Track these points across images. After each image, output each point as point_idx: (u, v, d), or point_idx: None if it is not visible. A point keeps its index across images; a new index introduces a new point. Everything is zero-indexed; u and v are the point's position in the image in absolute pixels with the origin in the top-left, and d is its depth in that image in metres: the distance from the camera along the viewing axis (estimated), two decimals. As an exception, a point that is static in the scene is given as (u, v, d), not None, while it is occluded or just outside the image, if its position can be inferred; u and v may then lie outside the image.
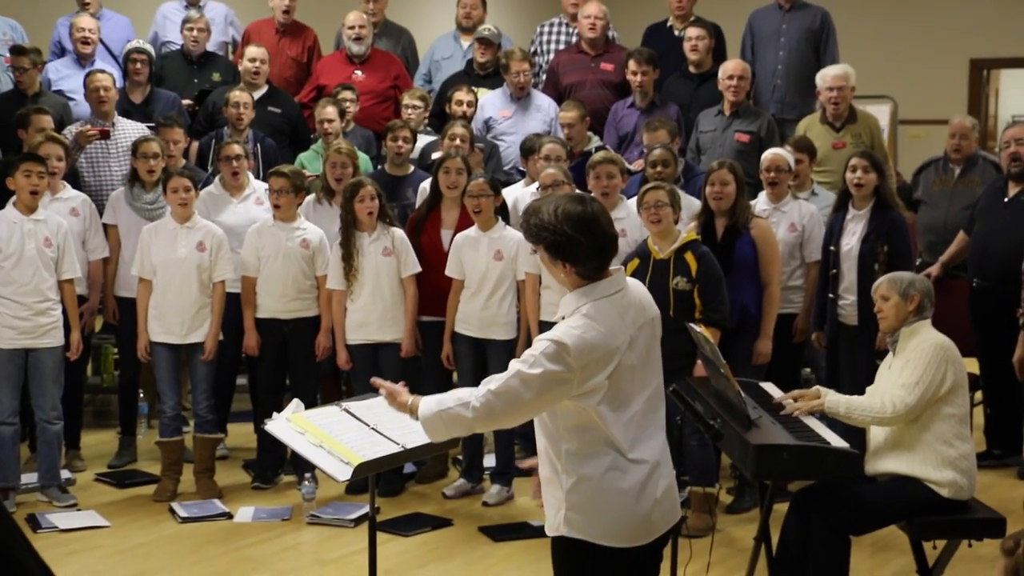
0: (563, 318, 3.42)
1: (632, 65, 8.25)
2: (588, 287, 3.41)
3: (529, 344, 6.65)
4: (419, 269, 6.85)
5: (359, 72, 8.91)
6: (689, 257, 6.16)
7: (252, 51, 8.51)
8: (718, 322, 6.13)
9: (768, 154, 7.10)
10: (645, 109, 8.24)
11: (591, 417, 3.36)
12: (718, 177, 6.54)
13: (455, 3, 9.56)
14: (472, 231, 6.78)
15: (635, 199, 6.56)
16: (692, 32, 8.53)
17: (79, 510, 6.59)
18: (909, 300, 5.07)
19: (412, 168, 7.71)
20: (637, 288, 3.56)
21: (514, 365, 3.37)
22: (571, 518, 3.42)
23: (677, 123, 8.12)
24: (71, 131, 7.69)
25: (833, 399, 4.95)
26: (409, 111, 8.22)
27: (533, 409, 3.38)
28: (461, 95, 8.29)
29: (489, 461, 7.04)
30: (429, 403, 3.51)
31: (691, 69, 8.58)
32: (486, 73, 8.92)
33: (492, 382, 3.40)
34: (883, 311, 5.13)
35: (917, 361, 4.91)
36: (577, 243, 3.36)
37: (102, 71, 7.96)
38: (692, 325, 5.12)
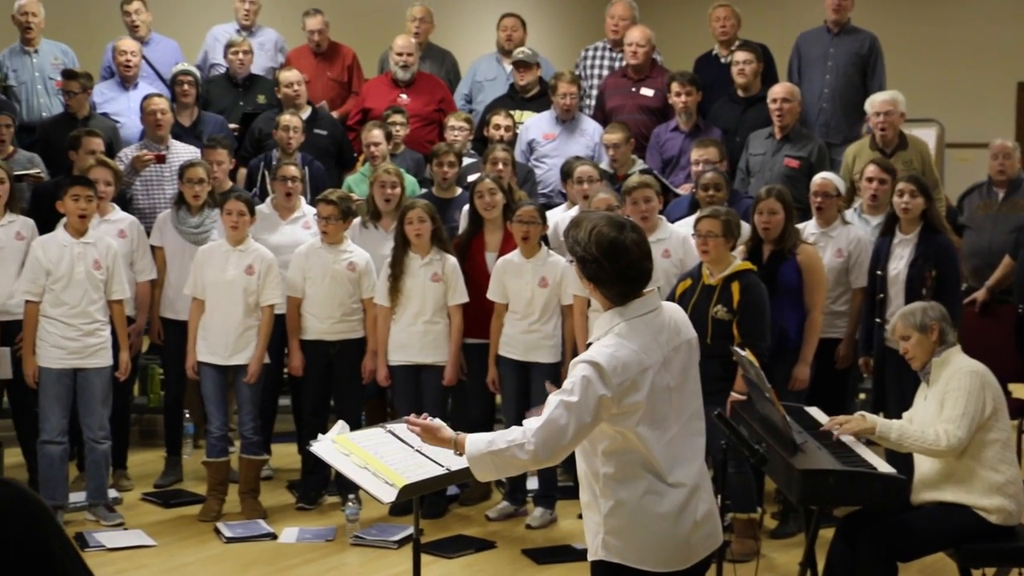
0: (597, 339, 3.43)
1: (675, 87, 8.25)
2: (621, 307, 3.41)
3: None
4: (466, 299, 6.87)
5: (404, 95, 8.96)
6: (735, 287, 6.09)
7: (286, 76, 8.59)
8: (756, 356, 6.07)
9: (817, 179, 7.08)
10: (689, 132, 8.24)
11: (629, 440, 3.35)
12: (766, 206, 6.51)
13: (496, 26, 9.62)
14: (515, 257, 6.79)
15: (680, 219, 6.55)
16: (740, 56, 8.51)
17: (126, 529, 6.64)
18: (928, 332, 5.03)
19: (459, 191, 7.74)
20: (673, 310, 3.56)
21: (554, 398, 3.36)
22: (609, 542, 3.41)
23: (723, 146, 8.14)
24: (127, 155, 7.78)
25: (884, 426, 4.92)
26: (454, 133, 8.27)
27: (581, 434, 3.35)
28: (499, 119, 8.34)
29: (532, 484, 7.04)
30: (478, 443, 3.44)
31: (739, 92, 8.56)
32: (529, 96, 8.95)
33: (537, 420, 3.38)
34: (908, 351, 5.10)
35: (957, 392, 4.87)
36: (602, 267, 3.37)
37: (158, 95, 8.06)
38: (737, 348, 5.09)
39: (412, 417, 3.71)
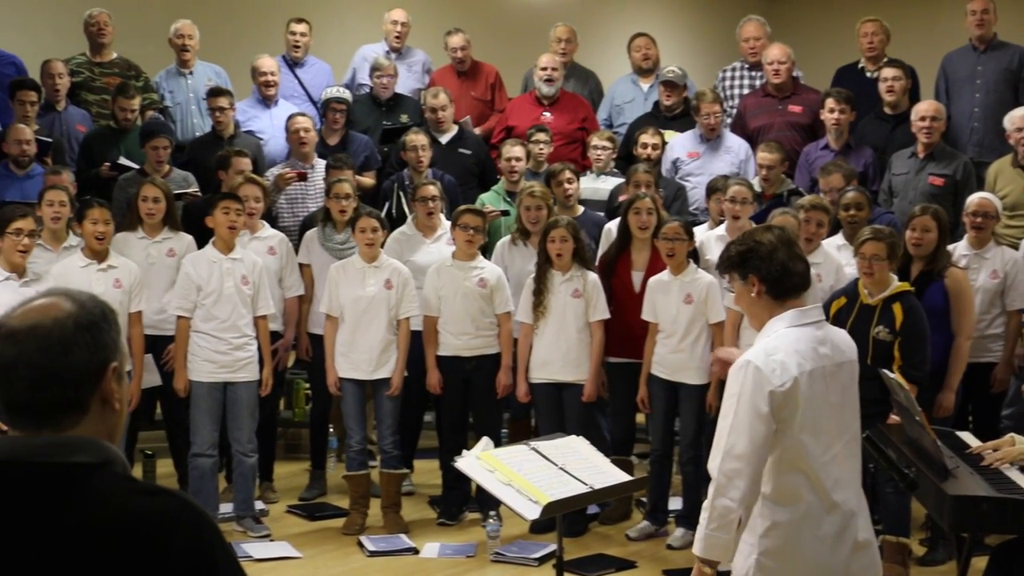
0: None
1: (829, 103, 8.12)
2: (779, 317, 3.43)
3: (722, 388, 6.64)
4: (607, 315, 6.85)
5: (548, 114, 9.00)
6: (897, 308, 6.01)
7: (432, 100, 8.67)
8: (916, 379, 5.95)
9: (975, 198, 6.91)
10: (839, 151, 8.11)
11: (792, 457, 3.33)
12: (920, 223, 6.39)
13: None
14: (664, 275, 6.77)
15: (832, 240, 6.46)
16: (888, 73, 8.36)
17: (272, 541, 6.76)
18: None
19: (582, 209, 7.75)
20: (838, 331, 3.59)
21: (723, 422, 3.38)
22: (764, 563, 3.38)
23: (871, 166, 7.99)
24: (271, 173, 7.94)
25: None
26: (597, 152, 8.27)
27: (762, 444, 3.33)
28: (647, 137, 8.31)
29: (674, 503, 6.99)
30: (698, 540, 3.43)
31: (886, 110, 8.41)
32: (673, 115, 8.92)
33: (715, 452, 3.38)
34: None
35: None
36: (759, 253, 3.44)
37: (302, 114, 8.21)
38: (886, 372, 5.00)
39: None
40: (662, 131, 8.55)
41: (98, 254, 6.72)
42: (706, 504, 3.40)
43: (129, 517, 1.96)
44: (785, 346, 3.37)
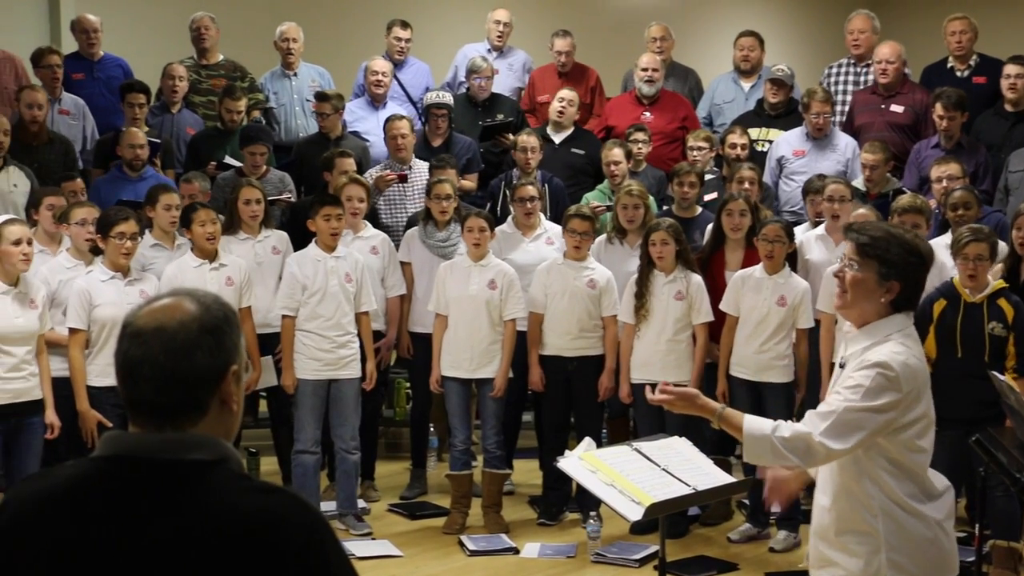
0: (865, 348, 3.40)
1: (939, 109, 7.94)
2: (889, 319, 3.41)
3: (811, 387, 6.57)
4: (711, 318, 6.80)
5: (648, 113, 8.96)
6: (1004, 304, 5.95)
7: (564, 92, 8.67)
8: None
9: None
10: (951, 151, 7.96)
11: (906, 456, 3.35)
12: None
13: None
14: (756, 271, 6.71)
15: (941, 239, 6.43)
16: (1011, 69, 8.17)
17: (374, 539, 6.81)
18: None
19: (700, 210, 7.70)
20: None
21: (834, 401, 3.36)
22: (895, 560, 3.37)
23: (982, 166, 7.85)
24: (371, 175, 8.02)
25: None
26: (695, 153, 8.22)
27: (870, 436, 3.34)
28: (734, 137, 8.25)
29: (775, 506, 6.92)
30: (760, 424, 3.43)
31: (1007, 107, 8.24)
32: (777, 113, 8.83)
33: (818, 417, 3.36)
34: None
35: None
36: (920, 270, 3.42)
37: (401, 117, 8.27)
38: (995, 374, 4.92)
39: (663, 384, 3.67)
40: (754, 130, 8.49)
41: (209, 253, 6.83)
42: (797, 434, 3.36)
43: (244, 514, 1.99)
44: (911, 351, 3.38)
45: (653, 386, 3.65)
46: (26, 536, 2.03)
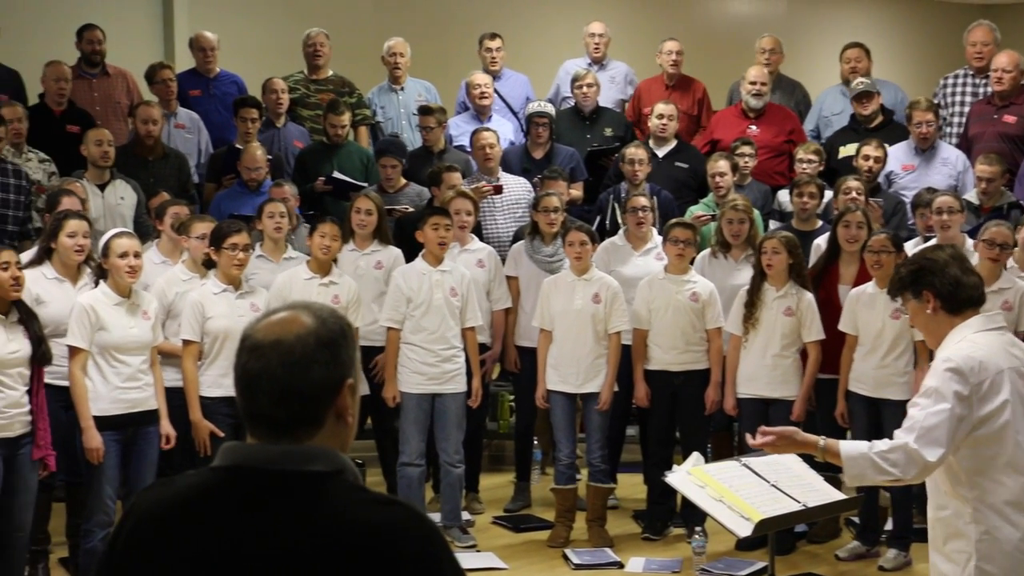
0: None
1: None
2: (965, 323, 3.47)
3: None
4: (823, 336, 6.72)
5: (754, 127, 8.90)
6: None
7: (660, 108, 8.64)
8: None
9: None
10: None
11: (999, 462, 3.35)
12: None
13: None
14: (869, 287, 6.63)
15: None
16: None
17: (478, 551, 6.83)
18: None
19: (820, 223, 7.62)
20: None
21: (913, 412, 3.43)
22: (983, 569, 3.37)
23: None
24: (464, 187, 8.06)
25: None
26: (803, 165, 8.14)
27: (957, 434, 3.37)
28: (868, 150, 8.09)
29: (887, 524, 6.83)
30: (856, 445, 3.50)
31: None
32: (873, 125, 8.71)
33: (905, 431, 3.42)
34: None
35: None
36: (938, 270, 3.49)
37: (487, 129, 8.32)
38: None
39: (766, 428, 3.71)
40: (847, 145, 8.39)
41: (322, 267, 6.91)
42: (893, 447, 3.43)
43: (361, 526, 2.01)
44: (980, 347, 3.41)
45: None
46: (150, 545, 2.08)
